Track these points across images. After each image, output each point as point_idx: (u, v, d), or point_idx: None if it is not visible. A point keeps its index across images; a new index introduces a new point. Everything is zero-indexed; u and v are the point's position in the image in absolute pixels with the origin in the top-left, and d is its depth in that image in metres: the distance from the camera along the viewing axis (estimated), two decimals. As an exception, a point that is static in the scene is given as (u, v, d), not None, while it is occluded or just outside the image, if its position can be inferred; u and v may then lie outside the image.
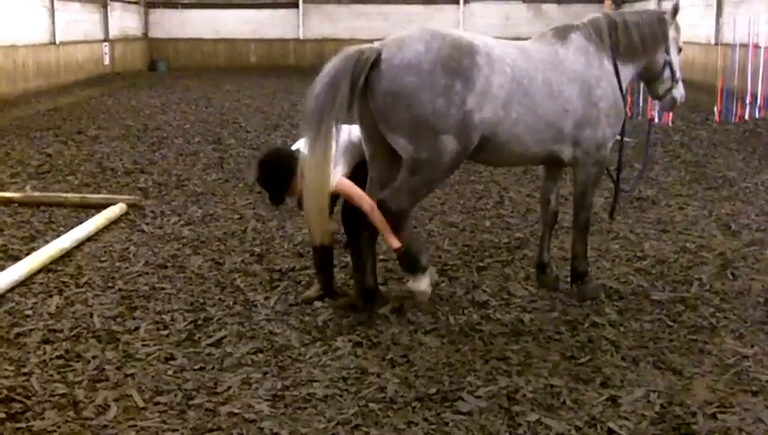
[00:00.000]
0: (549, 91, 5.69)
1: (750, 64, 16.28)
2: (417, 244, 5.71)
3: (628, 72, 6.24)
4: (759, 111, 15.92)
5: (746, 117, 16.05)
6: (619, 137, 6.39)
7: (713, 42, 23.58)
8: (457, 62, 5.28)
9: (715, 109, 16.47)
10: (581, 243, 6.27)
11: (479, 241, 7.74)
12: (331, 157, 5.39)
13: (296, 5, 32.38)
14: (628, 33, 6.18)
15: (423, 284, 5.64)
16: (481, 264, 7.02)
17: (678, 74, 6.43)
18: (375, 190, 5.71)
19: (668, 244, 7.68)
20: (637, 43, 6.21)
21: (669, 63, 6.39)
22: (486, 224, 8.41)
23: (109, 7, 27.85)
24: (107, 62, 27.35)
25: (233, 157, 12.33)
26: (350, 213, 5.82)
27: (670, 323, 5.69)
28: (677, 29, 6.44)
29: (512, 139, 5.62)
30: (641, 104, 16.14)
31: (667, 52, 6.38)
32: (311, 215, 5.51)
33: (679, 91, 6.47)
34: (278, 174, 5.73)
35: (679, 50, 6.46)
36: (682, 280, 6.64)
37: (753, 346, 5.31)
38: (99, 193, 9.59)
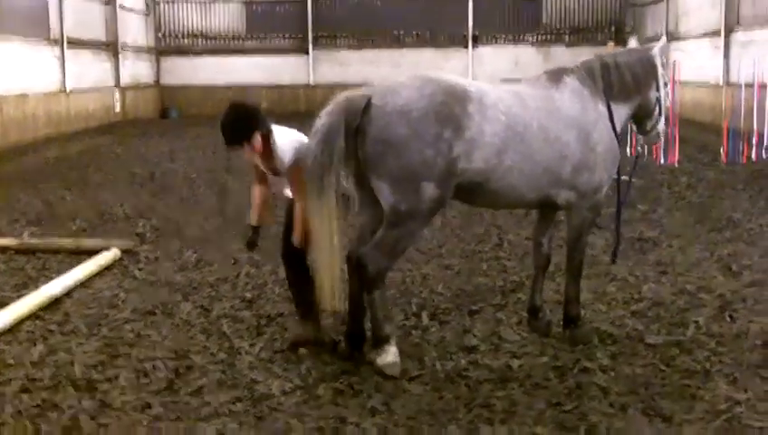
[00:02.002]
0: (545, 138, 5.63)
1: (756, 104, 16.17)
2: (381, 311, 5.52)
3: (622, 112, 6.18)
4: (766, 152, 15.77)
5: (753, 157, 15.90)
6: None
7: (720, 82, 23.51)
8: (449, 110, 5.23)
9: (722, 149, 16.33)
10: (574, 286, 6.15)
11: (474, 285, 7.62)
12: (335, 213, 5.34)
13: (306, 52, 32.63)
14: (621, 75, 6.13)
15: (389, 356, 5.45)
16: (474, 307, 6.90)
17: (664, 109, 6.39)
18: (363, 237, 5.64)
19: (667, 286, 7.54)
20: (629, 84, 6.16)
21: (659, 100, 6.35)
22: (483, 267, 8.29)
23: (120, 55, 28.13)
24: (118, 109, 27.55)
25: (234, 204, 12.27)
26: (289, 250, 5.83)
27: (663, 368, 5.54)
28: (664, 65, 6.38)
29: (505, 186, 5.55)
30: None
31: (658, 89, 6.32)
32: (320, 274, 5.45)
33: (662, 125, 6.44)
34: (241, 120, 5.61)
35: (665, 84, 6.39)
36: (678, 323, 6.49)
37: (746, 391, 5.16)
38: (95, 239, 9.54)
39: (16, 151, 19.32)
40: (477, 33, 32.89)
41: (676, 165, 15.44)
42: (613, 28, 32.60)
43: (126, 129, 25.70)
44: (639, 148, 6.73)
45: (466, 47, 32.63)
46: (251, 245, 6.03)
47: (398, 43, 32.64)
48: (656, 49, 6.33)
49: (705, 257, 8.62)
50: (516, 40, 32.98)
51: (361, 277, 5.43)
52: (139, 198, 12.74)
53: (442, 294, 7.33)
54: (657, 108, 6.34)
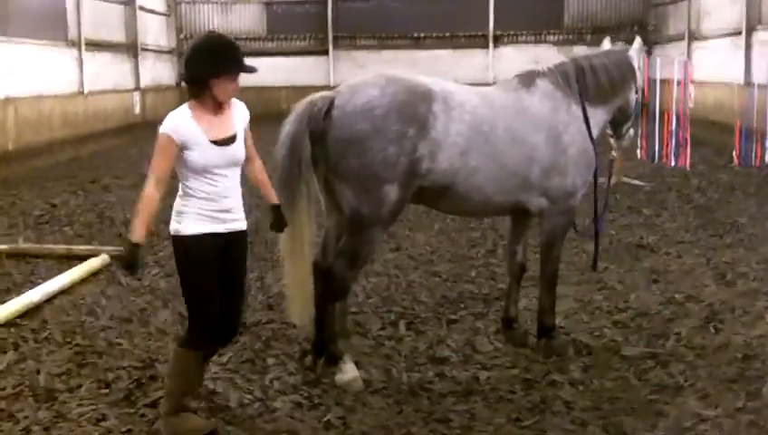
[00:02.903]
0: (512, 139, 5.50)
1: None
2: (331, 330, 5.46)
3: (599, 116, 6.04)
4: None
5: (766, 160, 15.60)
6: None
7: (741, 82, 23.14)
8: (413, 109, 5.13)
9: (734, 152, 16.04)
10: (548, 296, 6.03)
11: (458, 292, 7.51)
12: (306, 223, 5.26)
13: (326, 53, 32.58)
14: (597, 77, 5.99)
15: (347, 374, 5.36)
16: (453, 316, 6.79)
17: (637, 112, 6.33)
18: (328, 243, 5.57)
19: (656, 295, 7.38)
20: (606, 87, 6.02)
21: (637, 102, 6.25)
22: (472, 274, 8.17)
23: (140, 57, 28.22)
24: (137, 111, 27.62)
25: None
26: None
27: (634, 382, 5.41)
28: (640, 67, 6.26)
29: (471, 188, 5.43)
30: (657, 147, 15.79)
31: (636, 91, 6.20)
32: (288, 288, 5.39)
33: (633, 128, 6.35)
34: (202, 54, 4.52)
35: (637, 90, 6.26)
36: (660, 334, 6.34)
37: (716, 407, 5.02)
38: (90, 244, 9.53)
39: (30, 153, 19.35)
40: (498, 33, 32.65)
41: (688, 168, 15.18)
42: (636, 27, 32.20)
43: (144, 131, 25.71)
44: (614, 153, 6.56)
45: (487, 47, 32.40)
46: (134, 267, 4.55)
47: (417, 44, 32.49)
48: (632, 51, 6.19)
49: (700, 264, 8.44)
50: (538, 40, 32.69)
51: (327, 288, 5.36)
52: (142, 201, 12.71)
53: (424, 302, 7.23)
54: (634, 111, 6.24)
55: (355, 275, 5.41)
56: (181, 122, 4.42)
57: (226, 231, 4.58)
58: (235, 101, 4.65)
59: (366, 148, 5.05)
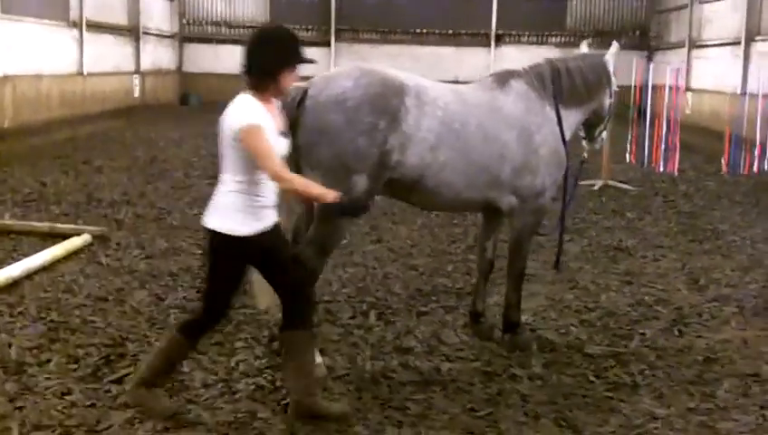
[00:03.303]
0: (484, 136, 5.59)
1: (759, 114, 15.95)
2: None
3: (573, 118, 6.14)
4: (768, 163, 15.59)
5: (755, 168, 15.69)
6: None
7: (738, 91, 23.23)
8: (385, 101, 5.22)
9: (723, 160, 16.14)
10: (515, 292, 6.12)
11: (433, 285, 7.61)
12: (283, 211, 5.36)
13: (328, 45, 32.67)
14: (572, 80, 6.09)
15: None
16: (424, 308, 6.89)
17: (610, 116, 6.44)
18: (298, 230, 5.67)
19: (627, 296, 7.48)
20: (581, 89, 6.12)
21: (611, 106, 6.35)
22: (448, 268, 8.27)
23: (141, 40, 28.29)
24: (137, 94, 27.71)
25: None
26: None
27: (592, 379, 5.51)
28: (615, 72, 6.35)
29: (441, 183, 5.51)
30: (646, 151, 15.88)
31: (611, 95, 6.30)
32: (255, 274, 5.46)
33: (605, 132, 6.48)
34: (273, 45, 4.52)
35: (611, 94, 6.35)
36: (624, 334, 6.44)
37: (669, 407, 5.12)
38: (75, 223, 9.62)
39: (27, 131, 19.46)
40: (501, 32, 32.73)
41: (676, 173, 15.27)
42: (638, 33, 32.33)
43: (142, 114, 25.88)
44: (585, 154, 6.65)
45: (489, 46, 32.48)
46: (360, 208, 4.89)
47: (419, 39, 32.56)
48: (608, 55, 6.29)
49: (675, 269, 8.54)
50: (540, 41, 32.78)
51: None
52: (132, 183, 12.84)
53: (398, 294, 7.33)
54: (607, 114, 6.35)
55: (323, 263, 5.51)
56: (260, 113, 4.40)
57: (272, 224, 4.60)
58: None
59: (337, 138, 5.14)
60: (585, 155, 6.59)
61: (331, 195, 4.52)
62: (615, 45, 6.42)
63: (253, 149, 4.33)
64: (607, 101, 6.34)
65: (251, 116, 4.37)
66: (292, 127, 5.25)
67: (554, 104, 5.96)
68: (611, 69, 6.28)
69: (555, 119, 5.94)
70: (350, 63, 5.66)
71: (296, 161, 5.36)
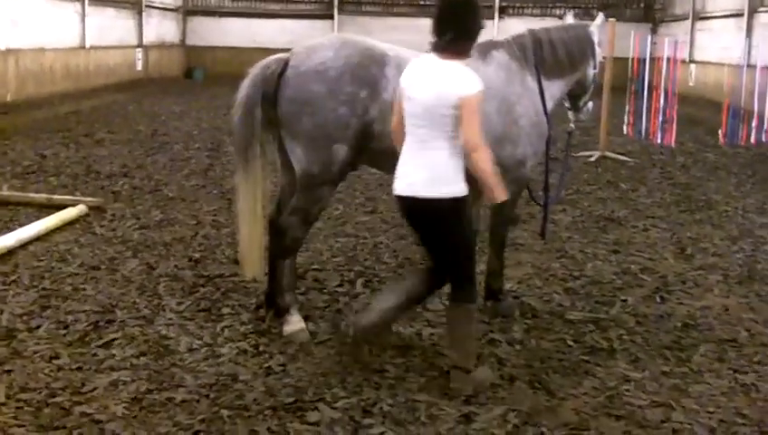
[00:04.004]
0: None
1: (758, 86, 15.92)
2: (285, 279, 5.68)
3: (555, 89, 6.19)
4: (765, 135, 15.54)
5: (752, 140, 15.70)
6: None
7: (742, 63, 23.17)
8: (366, 71, 5.29)
9: (720, 131, 16.15)
10: (497, 260, 6.20)
11: (422, 254, 7.68)
12: (260, 183, 5.47)
13: (332, 17, 32.65)
14: (554, 50, 6.13)
15: (293, 325, 5.56)
16: (411, 277, 6.99)
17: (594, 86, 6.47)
18: (283, 200, 5.78)
19: (613, 265, 7.57)
20: (563, 60, 6.16)
21: (595, 77, 6.39)
22: (439, 238, 8.35)
23: (144, 13, 28.33)
24: (140, 67, 27.79)
25: (222, 164, 12.43)
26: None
27: (570, 344, 5.61)
28: (600, 43, 6.38)
29: None
30: (644, 123, 15.88)
31: (595, 66, 6.34)
32: (242, 244, 5.59)
33: (591, 103, 6.51)
34: (476, 10, 4.75)
35: (596, 65, 6.39)
36: (606, 301, 6.54)
37: (644, 370, 5.21)
38: (72, 195, 9.74)
39: (31, 104, 19.62)
40: (504, 4, 32.63)
41: (673, 145, 15.29)
42: (642, 5, 32.17)
43: (145, 87, 25.96)
44: (572, 125, 6.71)
45: (492, 18, 32.38)
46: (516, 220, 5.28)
47: (422, 11, 32.49)
48: (593, 26, 6.33)
49: (663, 238, 8.62)
50: (543, 13, 32.69)
51: (279, 243, 5.58)
52: (131, 156, 12.94)
53: (387, 263, 7.44)
54: (592, 84, 6.40)
55: (306, 231, 5.61)
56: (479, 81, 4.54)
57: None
58: None
59: (319, 108, 5.23)
60: (572, 126, 6.64)
61: (503, 195, 4.71)
62: (600, 16, 6.47)
63: (470, 116, 4.45)
64: (591, 72, 6.38)
65: (476, 84, 4.50)
66: (274, 98, 5.35)
67: (536, 75, 6.01)
68: (596, 39, 6.32)
69: (537, 89, 5.99)
70: (334, 34, 5.72)
71: (279, 132, 5.47)
